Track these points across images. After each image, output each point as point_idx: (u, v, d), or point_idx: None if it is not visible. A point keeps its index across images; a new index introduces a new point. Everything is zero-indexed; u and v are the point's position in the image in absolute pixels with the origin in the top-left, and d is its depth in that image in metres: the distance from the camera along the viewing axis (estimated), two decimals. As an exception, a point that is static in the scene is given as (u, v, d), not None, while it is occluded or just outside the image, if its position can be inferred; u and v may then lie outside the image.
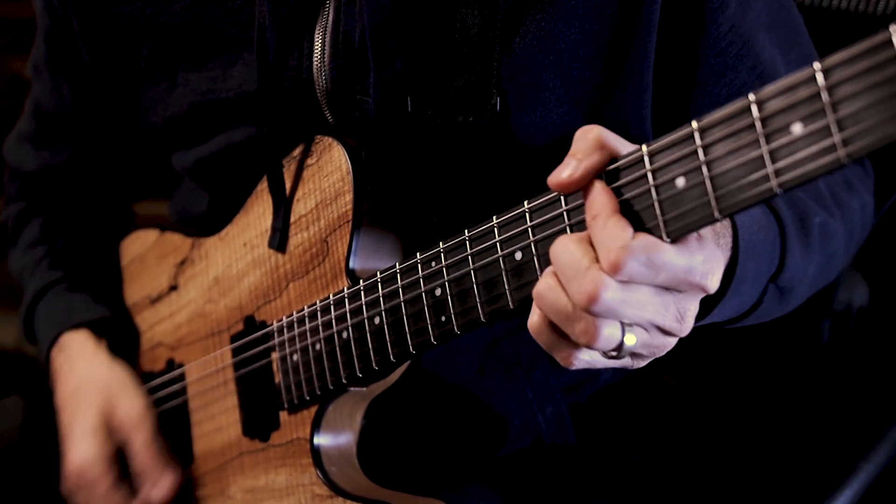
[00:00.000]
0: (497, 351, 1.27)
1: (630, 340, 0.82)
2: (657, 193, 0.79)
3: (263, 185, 1.24)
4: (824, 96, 0.68)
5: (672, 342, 0.86)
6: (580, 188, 0.84)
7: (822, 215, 1.14)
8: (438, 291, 1.00)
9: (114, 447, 1.37)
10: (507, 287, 0.93)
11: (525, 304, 0.92)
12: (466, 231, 0.97)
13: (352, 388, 1.15)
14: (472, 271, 0.96)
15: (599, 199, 0.82)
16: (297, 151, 1.19)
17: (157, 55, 1.29)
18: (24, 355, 2.87)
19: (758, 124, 0.72)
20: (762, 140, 0.72)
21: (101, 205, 1.61)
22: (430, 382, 1.27)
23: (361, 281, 1.09)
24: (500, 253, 0.93)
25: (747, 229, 0.98)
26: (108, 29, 1.32)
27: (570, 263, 0.81)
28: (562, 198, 0.88)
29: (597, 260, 0.80)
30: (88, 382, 1.39)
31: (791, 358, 1.55)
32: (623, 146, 0.84)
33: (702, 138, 0.76)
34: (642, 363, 0.89)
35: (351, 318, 1.10)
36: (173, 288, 1.41)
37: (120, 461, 1.37)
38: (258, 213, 1.25)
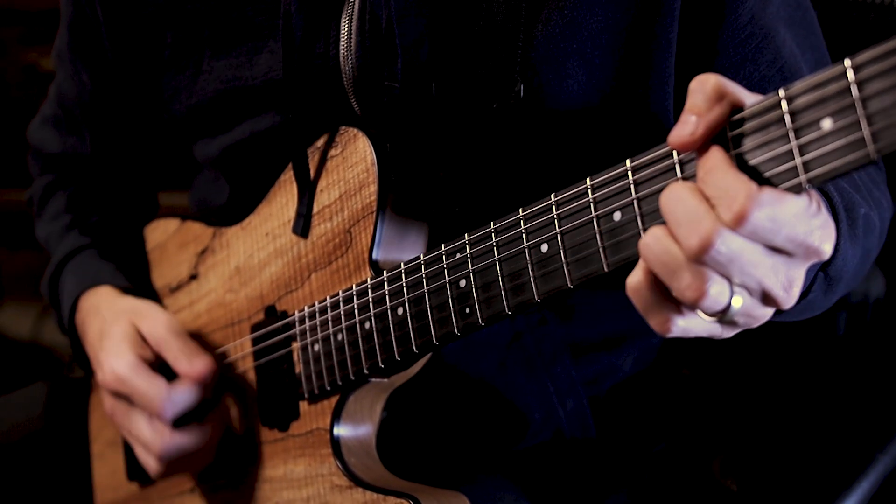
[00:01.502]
0: (519, 345, 1.27)
1: (737, 303, 0.78)
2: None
3: (287, 175, 1.24)
4: (854, 92, 0.69)
5: (769, 314, 0.82)
6: (701, 145, 0.79)
7: (866, 207, 1.11)
8: (463, 283, 1.00)
9: (146, 353, 1.30)
10: (532, 279, 0.93)
11: (550, 297, 0.93)
12: (492, 223, 0.97)
13: (373, 379, 1.15)
14: (497, 263, 0.96)
15: (715, 152, 0.77)
16: (321, 142, 1.19)
17: (182, 42, 1.29)
18: (38, 346, 2.88)
19: (787, 119, 0.73)
20: (791, 135, 0.73)
21: (125, 192, 1.61)
22: (451, 375, 1.27)
23: (385, 271, 1.09)
24: (525, 244, 0.94)
25: None
26: (132, 17, 1.32)
27: (683, 210, 0.76)
28: (588, 187, 0.88)
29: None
30: (114, 314, 1.35)
31: (808, 350, 1.55)
32: (745, 94, 0.78)
33: (730, 130, 0.77)
34: (730, 333, 0.84)
35: (374, 308, 1.10)
36: (193, 277, 1.42)
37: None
38: (281, 203, 1.25)
